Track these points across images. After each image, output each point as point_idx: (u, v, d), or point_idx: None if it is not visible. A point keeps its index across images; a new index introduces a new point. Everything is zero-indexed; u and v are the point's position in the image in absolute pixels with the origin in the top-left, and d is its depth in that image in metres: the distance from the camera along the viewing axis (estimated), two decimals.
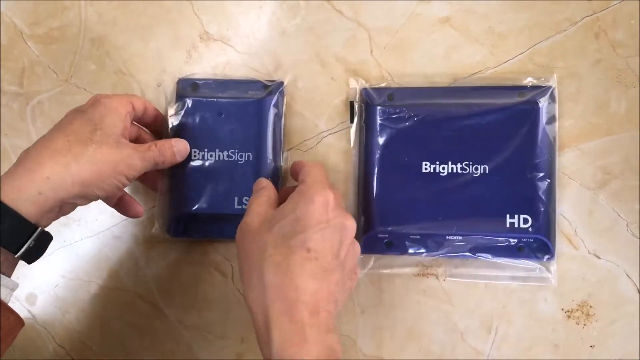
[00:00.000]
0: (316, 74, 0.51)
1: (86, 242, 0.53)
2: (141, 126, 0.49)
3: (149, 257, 0.52)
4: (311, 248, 0.37)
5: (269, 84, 0.50)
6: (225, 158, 0.49)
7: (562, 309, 0.47)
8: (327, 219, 0.39)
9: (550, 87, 0.47)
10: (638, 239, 0.47)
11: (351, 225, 0.40)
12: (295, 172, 0.44)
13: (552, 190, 0.46)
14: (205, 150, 0.49)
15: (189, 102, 0.49)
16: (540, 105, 0.46)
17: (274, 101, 0.49)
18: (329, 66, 0.51)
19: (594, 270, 0.47)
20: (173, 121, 0.49)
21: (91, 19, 0.53)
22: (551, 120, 0.47)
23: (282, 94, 0.50)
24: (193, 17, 0.52)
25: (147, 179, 0.50)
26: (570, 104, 0.48)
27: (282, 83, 0.50)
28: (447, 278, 0.49)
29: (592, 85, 0.48)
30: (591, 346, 0.47)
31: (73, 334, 0.53)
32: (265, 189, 0.43)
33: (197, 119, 0.49)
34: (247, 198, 0.47)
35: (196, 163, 0.49)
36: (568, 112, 0.48)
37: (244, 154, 0.48)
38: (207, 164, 0.49)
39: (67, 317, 0.53)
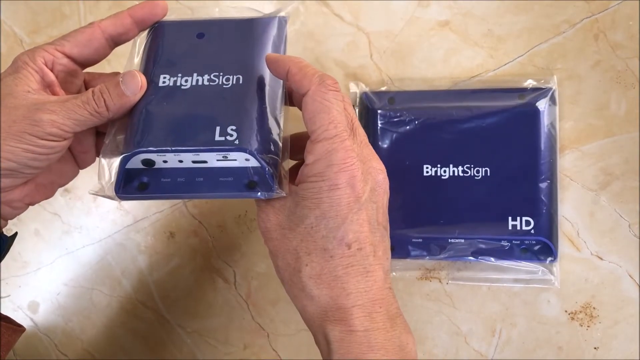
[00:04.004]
0: None
1: (88, 250, 0.53)
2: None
3: (151, 264, 0.52)
4: (351, 242, 0.32)
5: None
6: (206, 82, 0.36)
7: (566, 311, 0.47)
8: (357, 197, 0.32)
9: (550, 88, 0.47)
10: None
11: (382, 179, 0.34)
12: (294, 79, 0.34)
13: (553, 192, 0.46)
14: (179, 75, 0.36)
15: (157, 24, 0.39)
16: (540, 107, 0.46)
17: (275, 22, 0.39)
18: (329, 71, 0.51)
19: (596, 272, 0.47)
20: (133, 51, 0.40)
21: None
22: (552, 122, 0.47)
23: (284, 20, 0.40)
24: None
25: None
26: (570, 105, 0.48)
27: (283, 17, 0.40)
28: (450, 281, 0.49)
29: (592, 86, 0.48)
30: (595, 348, 0.47)
31: (76, 342, 0.53)
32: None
33: (168, 44, 0.38)
34: (234, 127, 0.34)
35: (160, 92, 0.36)
36: (568, 114, 0.48)
37: (231, 77, 0.36)
38: (178, 91, 0.36)
39: (69, 325, 0.53)
